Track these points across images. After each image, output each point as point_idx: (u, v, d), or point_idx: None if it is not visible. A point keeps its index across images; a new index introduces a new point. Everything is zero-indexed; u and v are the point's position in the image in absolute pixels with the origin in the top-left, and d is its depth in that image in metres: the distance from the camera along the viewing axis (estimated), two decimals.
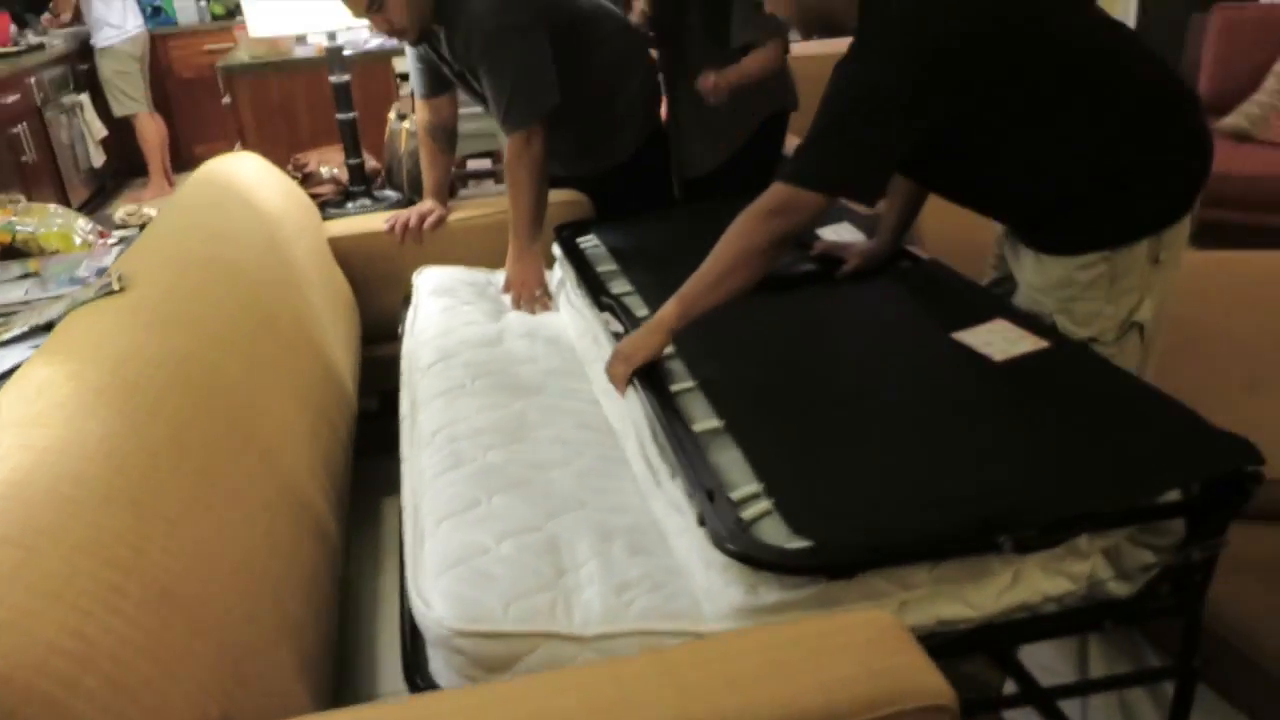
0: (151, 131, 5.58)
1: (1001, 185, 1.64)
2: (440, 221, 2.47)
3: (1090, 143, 1.51)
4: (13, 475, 0.98)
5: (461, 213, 2.56)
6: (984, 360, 1.52)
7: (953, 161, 1.61)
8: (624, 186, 2.48)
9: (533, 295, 2.22)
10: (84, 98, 5.31)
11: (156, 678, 0.89)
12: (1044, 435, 1.32)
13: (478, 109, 2.51)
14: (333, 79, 2.60)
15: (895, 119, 1.46)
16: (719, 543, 1.16)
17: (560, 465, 1.53)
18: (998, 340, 1.58)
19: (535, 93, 2.16)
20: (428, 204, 2.50)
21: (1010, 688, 1.58)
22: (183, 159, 6.03)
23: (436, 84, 2.40)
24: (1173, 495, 1.26)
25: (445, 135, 2.48)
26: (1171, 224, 1.55)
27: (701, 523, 1.23)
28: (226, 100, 3.76)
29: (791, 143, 2.24)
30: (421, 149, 2.51)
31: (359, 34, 3.76)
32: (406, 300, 2.30)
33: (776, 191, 1.50)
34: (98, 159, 5.34)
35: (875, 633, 0.99)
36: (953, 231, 2.04)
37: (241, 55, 3.89)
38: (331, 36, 2.60)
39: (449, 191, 2.63)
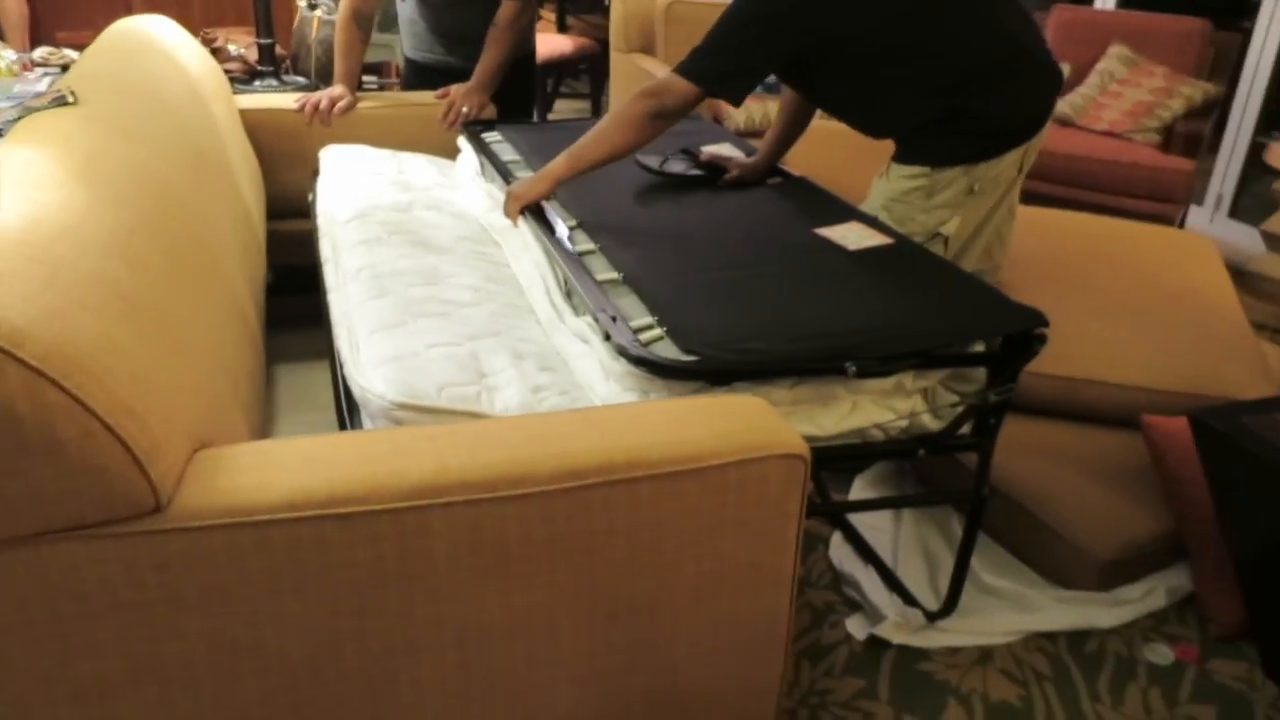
0: (12, 9, 5.30)
1: (856, 109, 2.03)
2: (350, 107, 2.60)
3: (923, 91, 1.90)
4: (25, 220, 1.12)
5: (367, 102, 2.69)
6: (840, 248, 1.81)
7: (821, 87, 2.02)
8: (501, 91, 2.70)
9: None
10: None
11: (167, 387, 1.06)
12: (884, 297, 1.61)
13: None
14: None
15: (761, 43, 1.83)
16: (623, 352, 1.39)
17: (473, 305, 1.73)
18: (852, 235, 1.88)
19: None
20: (339, 89, 2.62)
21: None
22: (43, 43, 5.76)
23: None
24: (978, 347, 1.58)
25: (366, 23, 2.63)
26: (984, 160, 1.92)
27: (607, 338, 1.46)
28: None
29: None
30: (339, 35, 2.63)
31: None
32: (315, 174, 2.43)
33: (664, 76, 1.85)
34: None
35: (749, 406, 1.25)
36: (818, 169, 2.36)
37: None
38: None
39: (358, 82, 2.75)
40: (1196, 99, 3.63)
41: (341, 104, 2.59)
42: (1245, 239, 3.79)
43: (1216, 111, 3.73)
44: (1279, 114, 3.85)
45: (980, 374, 1.62)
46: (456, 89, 2.62)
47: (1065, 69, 2.11)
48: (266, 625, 1.05)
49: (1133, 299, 2.33)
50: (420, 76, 2.85)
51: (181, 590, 1.01)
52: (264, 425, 1.60)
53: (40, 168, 1.29)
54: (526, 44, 2.78)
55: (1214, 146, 3.96)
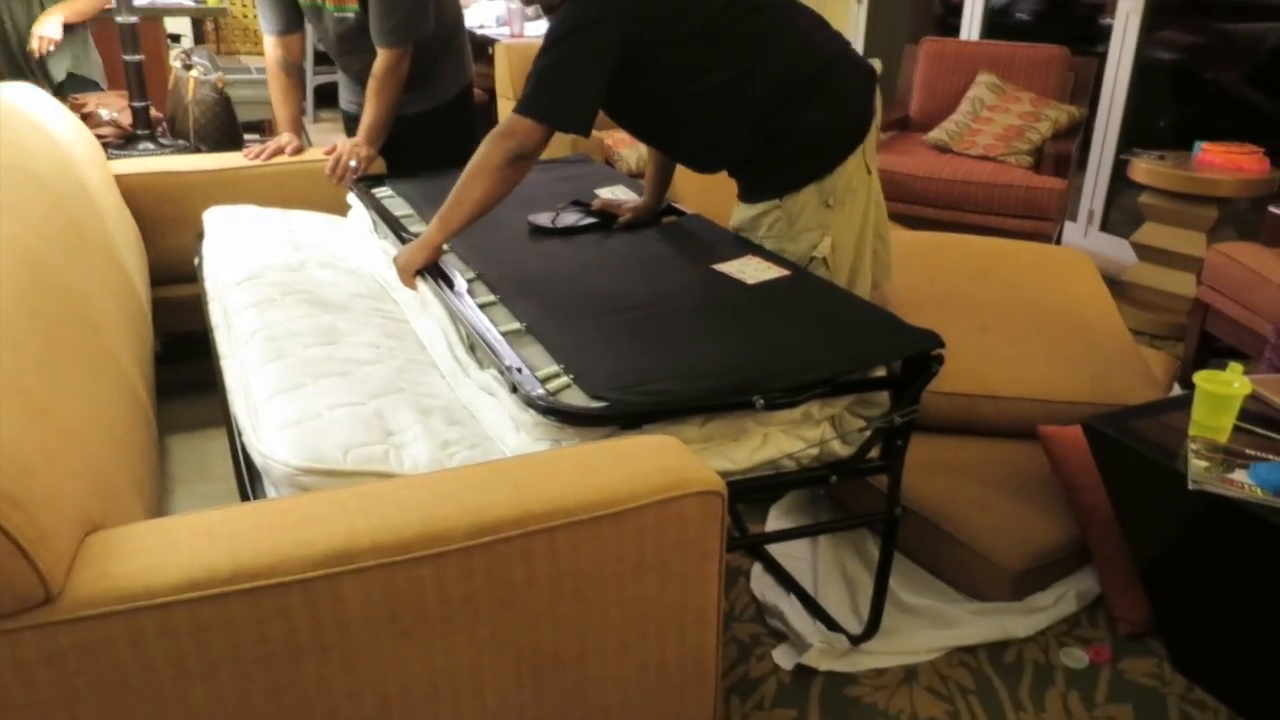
0: None
1: (684, 145, 2.05)
2: (299, 151, 2.62)
3: (742, 114, 1.91)
4: None
5: (248, 161, 2.63)
6: (739, 282, 1.84)
7: (649, 119, 2.03)
8: (433, 132, 2.71)
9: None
10: None
11: (52, 471, 1.00)
12: (786, 328, 1.64)
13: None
14: (120, 20, 2.60)
15: (581, 61, 1.81)
16: (532, 403, 1.38)
17: (374, 363, 1.69)
18: (749, 269, 1.90)
19: (419, 18, 2.48)
20: (285, 136, 2.64)
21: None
22: None
23: (289, 20, 2.61)
24: (880, 372, 1.61)
25: (296, 70, 2.68)
26: (828, 174, 1.92)
27: (514, 390, 1.44)
28: None
29: None
30: (273, 84, 2.67)
31: None
32: (200, 236, 2.36)
33: (510, 118, 1.82)
34: None
35: (661, 446, 1.25)
36: (706, 196, 2.39)
37: None
38: None
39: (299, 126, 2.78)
40: (1062, 121, 3.82)
41: (291, 148, 2.63)
42: (1118, 250, 3.99)
43: (1081, 132, 3.93)
44: (1137, 132, 4.08)
45: (884, 398, 1.65)
46: (343, 143, 2.58)
47: (876, 64, 2.15)
48: (173, 716, 1.00)
49: (1019, 315, 2.42)
50: (352, 127, 2.86)
51: (77, 685, 0.95)
52: (159, 500, 1.53)
53: None
54: (459, 82, 2.81)
55: (1082, 165, 4.17)
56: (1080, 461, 1.91)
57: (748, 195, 2.01)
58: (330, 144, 2.61)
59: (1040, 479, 2.07)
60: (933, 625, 1.90)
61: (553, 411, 1.36)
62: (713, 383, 1.45)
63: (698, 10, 1.86)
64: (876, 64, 2.17)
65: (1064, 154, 3.65)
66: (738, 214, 2.04)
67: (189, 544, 1.00)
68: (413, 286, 1.89)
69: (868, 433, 1.62)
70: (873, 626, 1.82)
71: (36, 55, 3.02)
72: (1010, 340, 2.30)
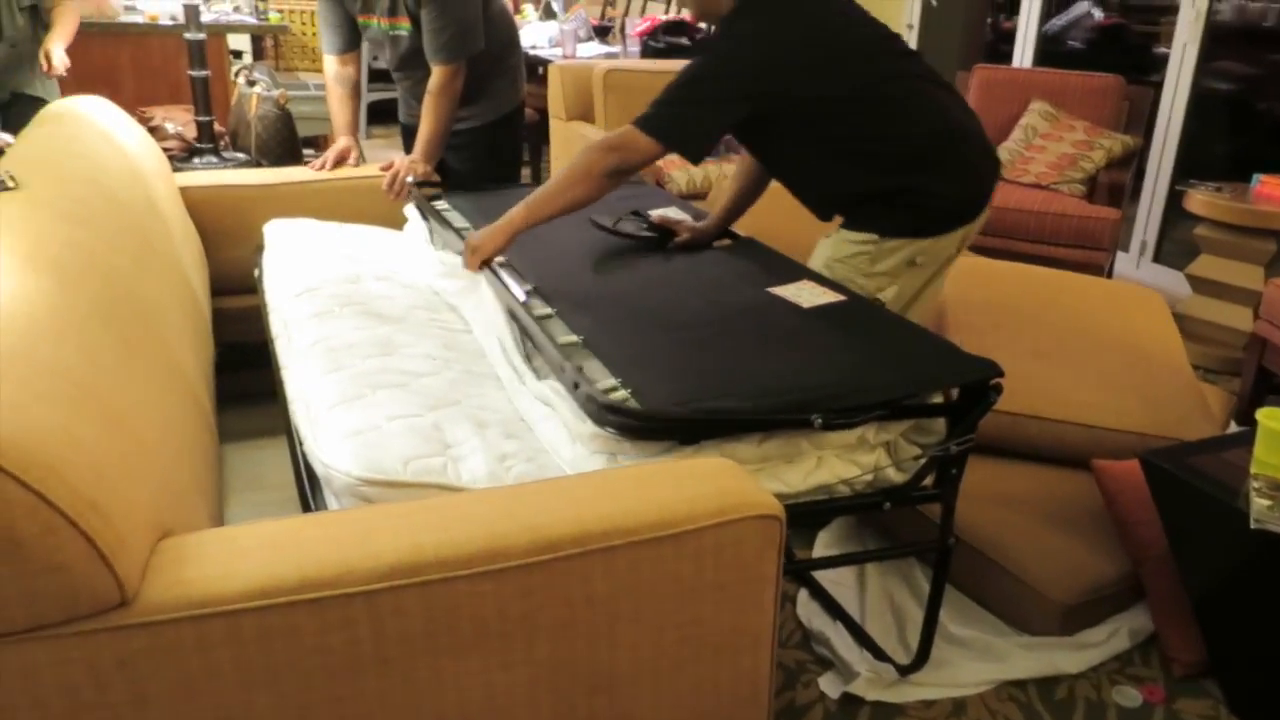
0: None
1: (810, 179, 2.08)
2: (359, 160, 2.73)
3: (871, 167, 1.96)
4: None
5: (307, 176, 2.68)
6: (794, 306, 1.84)
7: (776, 154, 2.06)
8: (485, 148, 2.77)
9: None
10: None
11: (127, 476, 1.02)
12: (843, 351, 1.63)
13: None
14: (188, 36, 2.67)
15: (722, 100, 1.87)
16: (597, 412, 1.38)
17: (431, 375, 1.71)
18: (805, 294, 1.90)
19: (470, 34, 2.58)
20: (344, 141, 2.72)
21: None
22: None
23: (348, 40, 2.72)
24: (936, 399, 1.60)
25: (352, 85, 2.78)
26: (930, 236, 1.99)
27: (576, 395, 1.44)
28: None
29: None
30: (331, 96, 2.76)
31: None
32: (260, 249, 2.40)
33: (624, 131, 1.86)
34: None
35: (719, 468, 1.25)
36: (761, 230, 2.40)
37: None
38: None
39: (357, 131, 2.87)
40: (1116, 150, 3.78)
41: (353, 156, 2.72)
42: (1171, 283, 3.93)
43: (1135, 162, 3.89)
44: (1194, 162, 4.03)
45: (939, 425, 1.64)
46: (400, 159, 2.63)
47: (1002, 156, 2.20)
48: None
49: (1077, 343, 2.40)
50: (410, 140, 2.94)
51: (146, 689, 0.97)
52: (220, 508, 1.55)
53: None
54: (512, 100, 2.89)
55: (1135, 195, 4.13)
56: (1135, 496, 1.88)
57: (852, 224, 2.03)
58: (386, 160, 2.66)
59: (1092, 511, 2.04)
60: (981, 658, 1.87)
61: (611, 422, 1.37)
62: (771, 400, 1.45)
63: (849, 74, 1.91)
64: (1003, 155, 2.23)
65: (1118, 184, 3.61)
66: (834, 240, 2.05)
67: (258, 553, 1.02)
68: (474, 268, 1.92)
69: (923, 460, 1.61)
70: (922, 657, 1.80)
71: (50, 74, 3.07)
72: (1063, 366, 2.28)
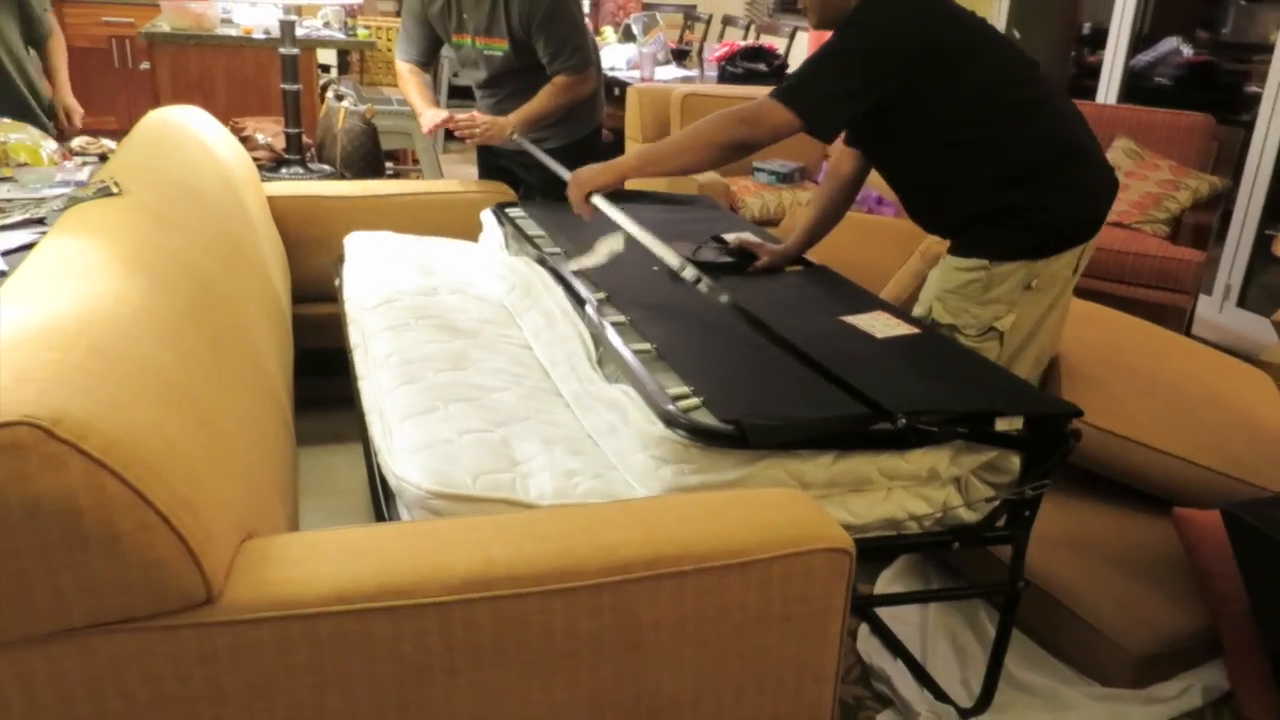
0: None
1: (923, 189, 2.05)
2: (449, 120, 2.77)
3: (990, 179, 1.91)
4: (81, 311, 1.13)
5: (389, 188, 2.74)
6: (868, 335, 1.83)
7: (893, 154, 2.03)
8: (568, 167, 2.80)
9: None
10: None
11: (216, 477, 1.06)
12: (917, 377, 1.62)
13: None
14: (283, 51, 2.75)
15: (860, 81, 1.82)
16: (668, 416, 1.39)
17: (501, 390, 1.73)
18: (878, 325, 1.89)
19: (584, 45, 2.69)
20: (441, 111, 2.77)
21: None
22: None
23: (427, 55, 2.83)
24: (1015, 424, 1.56)
25: (424, 77, 2.87)
26: (1043, 257, 1.93)
27: (647, 396, 1.45)
28: (145, 66, 3.80)
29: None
30: (409, 84, 2.84)
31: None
32: (340, 260, 2.46)
33: (759, 102, 1.82)
34: None
35: (790, 499, 1.25)
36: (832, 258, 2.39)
37: (163, 25, 3.94)
38: (289, 12, 2.76)
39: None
40: (1203, 191, 3.69)
41: (461, 118, 2.75)
42: (1256, 329, 3.82)
43: (1222, 203, 3.80)
44: None
45: (1013, 465, 1.61)
46: (489, 120, 2.73)
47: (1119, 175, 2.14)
48: None
49: (1189, 390, 2.34)
50: (487, 159, 3.06)
51: (225, 685, 0.99)
52: (297, 512, 1.59)
53: (90, 257, 1.31)
54: (591, 122, 2.97)
55: (1221, 237, 4.02)
56: (1215, 548, 1.83)
57: (960, 250, 1.98)
58: (462, 175, 2.73)
59: (1170, 561, 1.98)
60: (1047, 705, 1.83)
61: (683, 425, 1.37)
62: (846, 411, 1.44)
63: (983, 68, 1.88)
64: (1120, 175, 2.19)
65: (1203, 225, 3.53)
66: (942, 270, 2.01)
67: (338, 558, 1.04)
68: (586, 212, 1.91)
69: (995, 502, 1.58)
70: (984, 701, 1.76)
71: (67, 127, 3.12)
72: (1176, 408, 2.22)
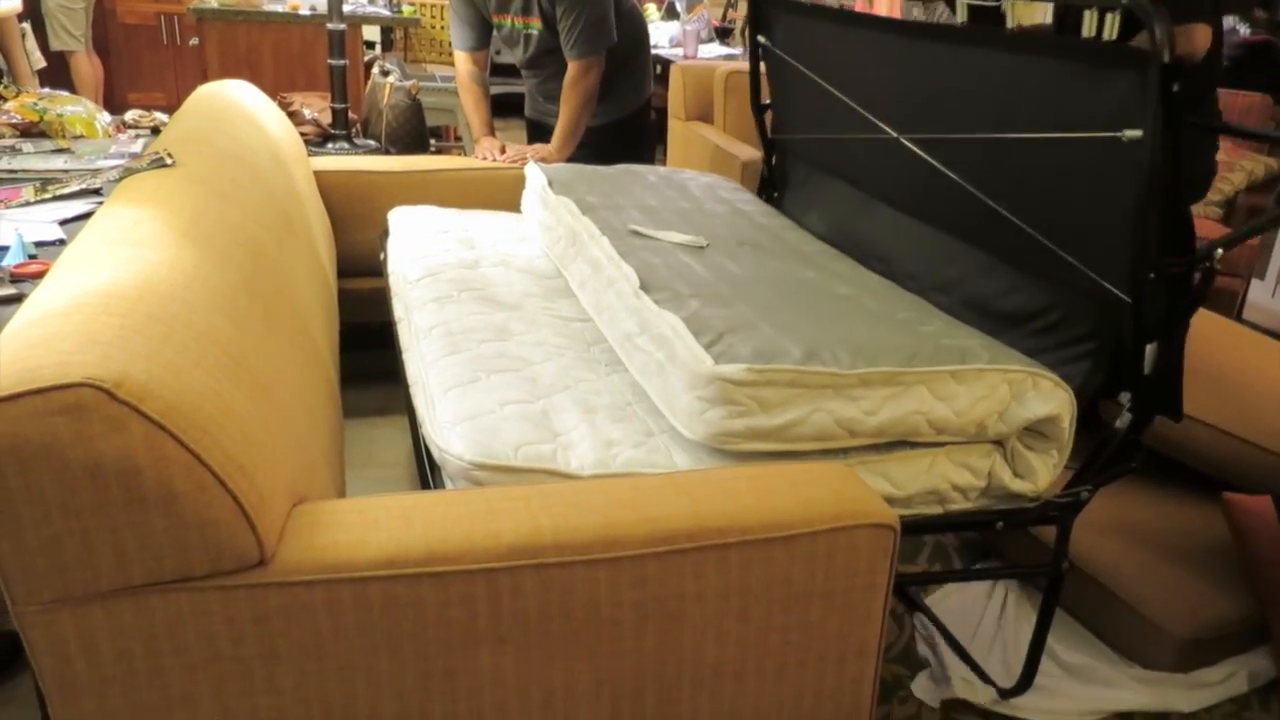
0: (87, 72, 5.52)
1: None
2: (503, 149, 2.85)
3: None
4: (140, 278, 1.15)
5: (433, 164, 2.76)
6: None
7: None
8: (608, 145, 2.86)
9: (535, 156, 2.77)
10: (26, 25, 5.24)
11: (270, 442, 1.08)
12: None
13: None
14: (330, 26, 2.77)
15: None
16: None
17: (543, 361, 1.74)
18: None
19: (602, 30, 2.69)
20: (494, 141, 2.85)
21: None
22: (115, 105, 5.97)
23: (480, 38, 2.85)
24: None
25: (484, 83, 2.92)
26: None
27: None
28: (194, 41, 3.84)
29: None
30: (466, 95, 2.91)
31: None
32: (385, 234, 2.48)
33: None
34: (33, 89, 5.27)
35: (837, 474, 1.25)
36: None
37: (211, 1, 3.98)
38: None
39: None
40: (1258, 173, 3.61)
41: (510, 157, 2.82)
42: None
43: (1279, 186, 3.71)
44: None
45: (1062, 434, 1.57)
46: (536, 146, 2.81)
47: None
48: (358, 684, 1.05)
49: (1243, 375, 2.28)
50: (536, 134, 3.11)
51: (278, 645, 1.01)
52: (343, 481, 1.61)
53: (147, 227, 1.33)
54: (638, 99, 3.00)
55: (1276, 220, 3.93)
56: (1265, 534, 1.80)
57: None
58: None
59: (1217, 548, 1.95)
60: (1089, 686, 1.82)
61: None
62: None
63: None
64: None
65: (1258, 208, 3.45)
66: None
67: (387, 524, 1.05)
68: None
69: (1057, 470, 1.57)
70: (1026, 681, 1.75)
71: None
72: (1235, 391, 2.17)
